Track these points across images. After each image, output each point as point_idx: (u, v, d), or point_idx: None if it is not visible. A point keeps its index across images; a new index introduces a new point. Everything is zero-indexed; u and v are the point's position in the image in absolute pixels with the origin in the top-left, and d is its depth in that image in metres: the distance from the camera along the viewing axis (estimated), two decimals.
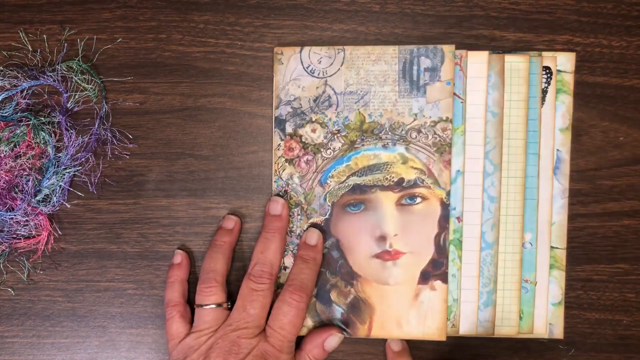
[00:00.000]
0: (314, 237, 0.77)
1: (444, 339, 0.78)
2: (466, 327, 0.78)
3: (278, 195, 0.78)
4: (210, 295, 0.75)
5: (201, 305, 0.75)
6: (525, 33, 0.78)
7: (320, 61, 0.77)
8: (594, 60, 0.78)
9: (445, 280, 0.77)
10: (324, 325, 0.79)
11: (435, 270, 0.77)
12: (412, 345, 0.79)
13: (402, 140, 0.76)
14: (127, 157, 0.80)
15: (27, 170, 0.77)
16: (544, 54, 0.77)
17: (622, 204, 0.78)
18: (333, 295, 0.78)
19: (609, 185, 0.78)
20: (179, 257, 0.79)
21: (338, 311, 0.78)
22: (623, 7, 0.78)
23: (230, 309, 0.75)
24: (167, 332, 0.77)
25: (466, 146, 0.77)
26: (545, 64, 0.76)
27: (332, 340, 0.76)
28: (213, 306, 0.75)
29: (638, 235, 0.78)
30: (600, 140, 0.78)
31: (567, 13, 0.78)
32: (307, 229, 0.78)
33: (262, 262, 0.75)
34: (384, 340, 0.79)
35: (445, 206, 0.77)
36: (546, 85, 0.76)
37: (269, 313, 0.75)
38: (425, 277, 0.77)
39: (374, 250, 0.77)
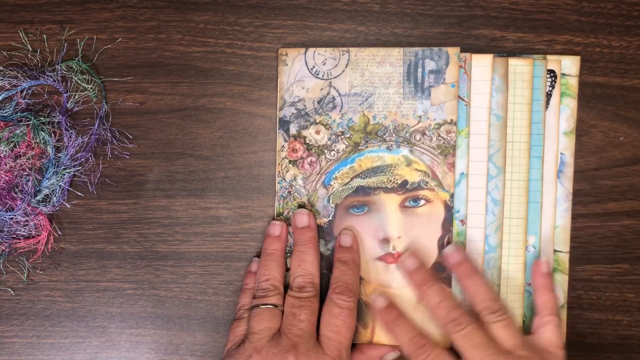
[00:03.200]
0: (347, 239, 0.77)
1: (448, 346, 0.77)
2: None
3: (301, 207, 0.78)
4: (267, 297, 0.74)
5: (257, 306, 0.74)
6: (525, 33, 0.78)
7: (324, 62, 0.77)
8: (594, 60, 0.78)
9: (449, 284, 0.77)
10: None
11: (439, 273, 0.77)
12: None
13: (406, 143, 0.76)
14: (127, 157, 0.80)
15: (27, 170, 0.77)
16: (549, 57, 0.77)
17: (622, 204, 0.78)
18: None
19: (609, 185, 0.78)
20: (254, 265, 0.79)
21: None
22: (623, 7, 0.78)
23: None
24: (230, 333, 0.77)
25: (470, 149, 0.77)
26: (550, 67, 0.76)
27: (390, 356, 0.77)
28: (270, 306, 0.74)
29: (638, 235, 0.79)
30: (600, 140, 0.78)
31: (567, 13, 0.78)
32: (340, 232, 0.78)
33: (302, 275, 0.74)
34: (387, 345, 0.79)
35: (449, 209, 0.77)
36: (550, 88, 0.77)
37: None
38: None
39: (377, 252, 0.77)
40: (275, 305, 0.74)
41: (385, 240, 0.77)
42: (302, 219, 0.77)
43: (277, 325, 0.73)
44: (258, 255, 0.79)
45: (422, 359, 0.72)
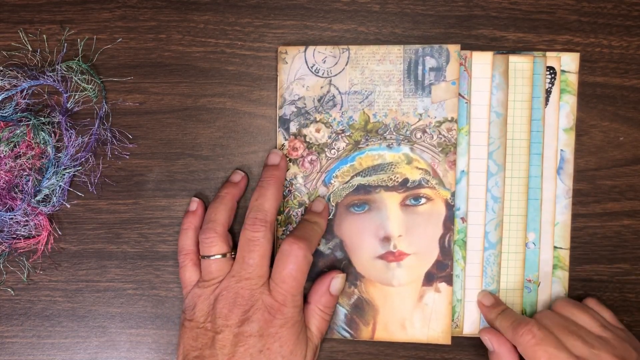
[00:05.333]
0: (320, 205, 0.77)
1: (448, 342, 0.78)
2: (470, 328, 0.78)
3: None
4: (212, 246, 0.74)
5: (205, 257, 0.74)
6: (525, 33, 0.78)
7: (324, 60, 0.77)
8: (594, 60, 0.78)
9: (450, 282, 0.77)
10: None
11: (440, 272, 0.77)
12: (414, 346, 0.79)
13: (406, 141, 0.76)
14: (127, 157, 0.80)
15: (27, 170, 0.77)
16: (548, 54, 0.77)
17: (622, 204, 0.78)
18: None
19: (609, 185, 0.78)
20: (195, 204, 0.79)
21: (342, 312, 0.78)
22: (623, 7, 0.78)
23: (235, 259, 0.74)
24: (181, 280, 0.77)
25: (470, 146, 0.77)
26: (549, 64, 0.77)
27: (336, 282, 0.75)
28: (218, 257, 0.74)
29: (638, 235, 0.79)
30: (600, 140, 0.78)
31: (567, 13, 0.78)
32: (314, 200, 0.78)
33: (256, 209, 0.73)
34: (386, 342, 0.79)
35: (450, 207, 0.76)
36: (550, 85, 0.77)
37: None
38: (429, 279, 0.77)
39: (378, 251, 0.77)
40: (222, 255, 0.74)
41: (386, 239, 0.77)
42: (275, 158, 0.77)
43: (225, 271, 0.74)
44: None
45: (523, 333, 0.70)
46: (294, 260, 0.71)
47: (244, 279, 0.72)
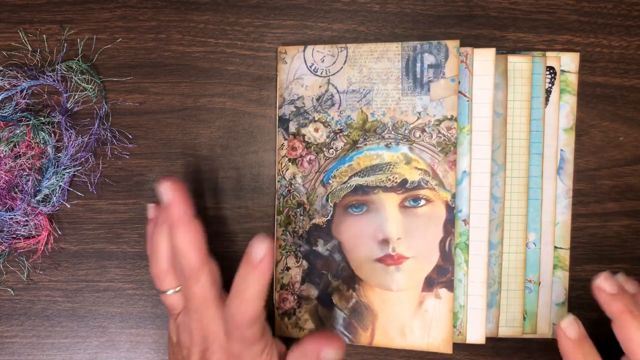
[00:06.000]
0: (260, 250, 0.64)
1: (449, 351, 0.77)
2: (473, 335, 0.77)
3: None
4: (163, 282, 0.70)
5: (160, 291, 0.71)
6: (525, 33, 0.78)
7: (323, 60, 0.77)
8: (594, 60, 0.78)
9: (450, 288, 0.76)
10: (324, 330, 0.77)
11: (440, 277, 0.76)
12: (414, 353, 0.79)
13: (405, 140, 0.76)
14: (127, 157, 0.80)
15: (27, 170, 0.77)
16: (548, 54, 0.77)
17: (622, 204, 0.78)
18: (335, 299, 0.77)
19: (609, 185, 0.78)
20: (152, 211, 0.73)
21: (340, 315, 0.78)
22: (623, 7, 0.78)
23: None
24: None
25: (472, 146, 0.77)
26: (549, 64, 0.77)
27: (329, 354, 0.64)
28: (170, 292, 0.69)
29: (638, 235, 0.78)
30: (600, 140, 0.78)
31: (567, 13, 0.78)
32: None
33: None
34: (386, 348, 0.79)
35: (450, 209, 0.76)
36: (550, 85, 0.77)
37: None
38: (429, 284, 0.76)
39: (376, 253, 0.77)
40: (174, 289, 0.70)
41: (385, 241, 0.76)
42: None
43: (181, 304, 0.70)
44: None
45: None
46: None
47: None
